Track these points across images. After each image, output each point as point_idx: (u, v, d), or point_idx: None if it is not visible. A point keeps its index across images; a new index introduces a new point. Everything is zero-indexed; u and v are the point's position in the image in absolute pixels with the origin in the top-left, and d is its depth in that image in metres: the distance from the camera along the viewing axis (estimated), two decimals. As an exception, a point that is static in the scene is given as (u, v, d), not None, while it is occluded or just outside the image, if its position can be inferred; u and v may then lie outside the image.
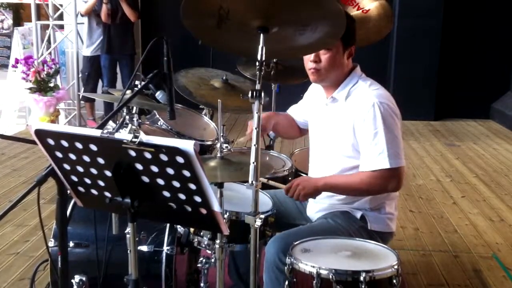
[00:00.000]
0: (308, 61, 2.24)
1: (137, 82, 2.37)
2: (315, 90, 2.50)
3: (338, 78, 2.27)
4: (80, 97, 6.93)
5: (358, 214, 2.26)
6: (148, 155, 1.41)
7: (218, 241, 2.05)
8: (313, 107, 2.47)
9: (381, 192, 2.22)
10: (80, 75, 6.93)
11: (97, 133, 1.44)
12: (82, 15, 6.61)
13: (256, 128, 1.81)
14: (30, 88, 6.50)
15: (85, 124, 6.91)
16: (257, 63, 1.87)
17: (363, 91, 2.22)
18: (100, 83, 6.82)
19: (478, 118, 8.11)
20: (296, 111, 2.68)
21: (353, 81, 2.27)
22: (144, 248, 2.37)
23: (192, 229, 2.23)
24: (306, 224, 2.36)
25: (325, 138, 2.35)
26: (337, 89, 2.27)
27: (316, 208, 2.35)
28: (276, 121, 2.59)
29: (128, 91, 2.26)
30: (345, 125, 2.21)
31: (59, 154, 1.54)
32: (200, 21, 1.90)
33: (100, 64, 6.64)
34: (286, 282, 1.84)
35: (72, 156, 1.52)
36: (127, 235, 2.15)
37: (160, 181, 1.47)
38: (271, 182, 2.41)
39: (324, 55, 2.19)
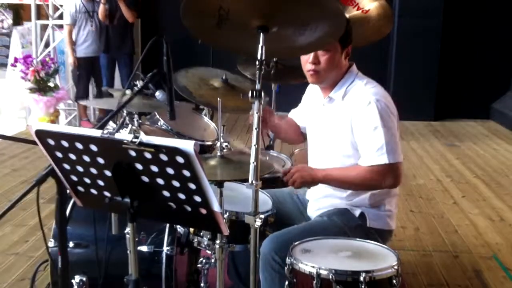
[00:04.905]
0: (307, 62, 2.23)
1: (136, 82, 2.37)
2: (312, 91, 2.51)
3: (336, 78, 2.27)
4: (73, 97, 6.95)
5: (358, 212, 2.26)
6: (148, 155, 1.41)
7: (218, 241, 2.04)
8: (310, 108, 2.48)
9: (377, 187, 2.21)
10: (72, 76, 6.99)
11: (97, 133, 1.44)
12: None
13: (256, 128, 1.81)
14: (30, 88, 6.49)
15: (79, 125, 6.90)
16: (257, 63, 1.87)
17: (360, 89, 2.22)
18: (92, 84, 6.88)
19: (478, 118, 8.11)
20: (297, 115, 2.66)
21: (350, 80, 2.27)
22: (144, 248, 2.37)
23: (192, 229, 2.22)
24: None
25: (323, 138, 2.34)
26: (334, 88, 2.28)
27: (316, 206, 2.35)
28: (277, 124, 2.58)
29: (128, 91, 2.25)
30: (343, 124, 2.21)
31: (59, 154, 1.54)
32: (200, 21, 1.90)
33: (90, 65, 6.69)
34: (286, 282, 1.84)
35: (72, 156, 1.52)
36: (127, 235, 2.15)
37: (160, 181, 1.47)
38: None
39: (323, 57, 2.19)
